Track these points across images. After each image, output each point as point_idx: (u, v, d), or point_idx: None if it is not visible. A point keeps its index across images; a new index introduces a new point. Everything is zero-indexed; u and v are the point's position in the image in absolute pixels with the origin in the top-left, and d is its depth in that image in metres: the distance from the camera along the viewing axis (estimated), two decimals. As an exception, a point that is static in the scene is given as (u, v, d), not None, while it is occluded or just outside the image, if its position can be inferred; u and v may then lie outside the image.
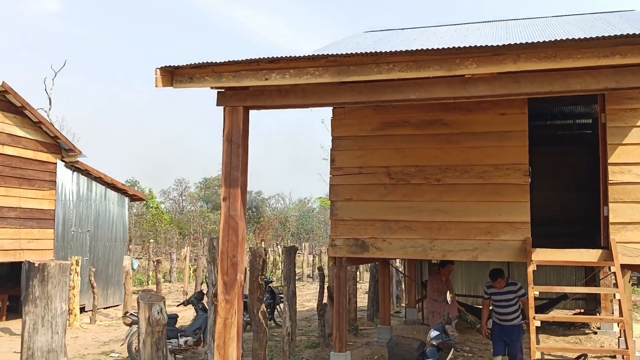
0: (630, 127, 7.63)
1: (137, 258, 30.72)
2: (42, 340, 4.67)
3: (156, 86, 5.21)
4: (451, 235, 8.09)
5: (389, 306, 11.26)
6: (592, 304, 13.56)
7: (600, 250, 7.60)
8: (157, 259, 18.08)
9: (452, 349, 5.82)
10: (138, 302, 6.21)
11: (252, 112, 5.76)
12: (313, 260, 32.39)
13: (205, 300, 11.60)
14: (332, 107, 8.72)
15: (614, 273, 7.18)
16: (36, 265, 4.74)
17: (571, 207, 12.57)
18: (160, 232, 51.07)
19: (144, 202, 37.81)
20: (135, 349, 9.93)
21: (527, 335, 7.53)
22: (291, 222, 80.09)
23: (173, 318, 10.32)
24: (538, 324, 6.79)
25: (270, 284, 14.14)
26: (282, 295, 14.41)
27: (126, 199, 18.74)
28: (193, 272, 25.04)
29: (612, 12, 10.31)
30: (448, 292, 9.31)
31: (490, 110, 8.08)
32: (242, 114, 5.48)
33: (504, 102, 7.92)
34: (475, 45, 4.57)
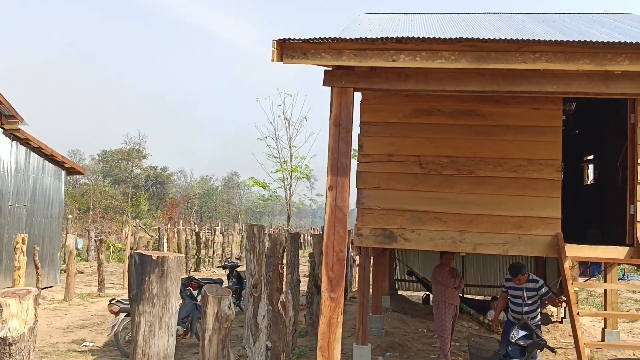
0: (660, 129, 7.86)
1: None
2: (160, 344, 4.01)
3: (272, 60, 4.63)
4: (482, 228, 8.00)
5: (381, 295, 11.08)
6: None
7: (627, 248, 7.80)
8: (99, 237, 16.82)
9: (544, 349, 5.68)
10: (204, 295, 5.61)
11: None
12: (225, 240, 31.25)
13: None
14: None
15: None
16: (154, 258, 4.06)
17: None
18: (56, 206, 48.14)
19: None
20: (123, 339, 9.11)
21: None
22: (194, 200, 78.44)
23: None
24: (580, 320, 6.85)
25: (237, 269, 13.54)
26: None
27: (63, 172, 17.25)
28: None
29: (608, 13, 10.60)
30: (456, 279, 9.30)
31: (525, 104, 8.03)
32: (351, 96, 5.00)
33: (539, 97, 7.87)
34: (629, 42, 4.41)
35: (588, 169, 12.41)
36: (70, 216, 30.70)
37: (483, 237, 8.00)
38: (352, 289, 17.61)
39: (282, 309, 8.00)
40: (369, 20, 9.67)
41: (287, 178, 27.26)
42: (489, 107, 8.10)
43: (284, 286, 9.72)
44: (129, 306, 9.22)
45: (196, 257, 22.92)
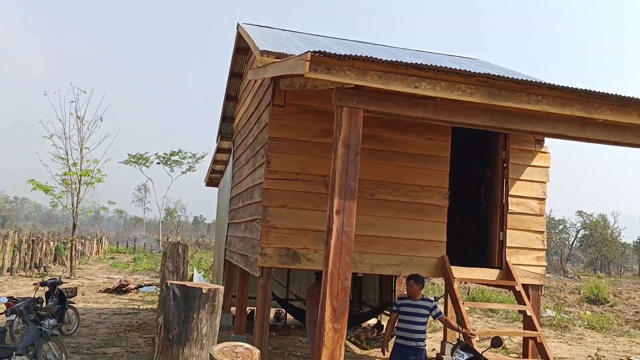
0: (525, 166, 8.99)
1: None
2: (212, 392, 3.40)
3: (305, 73, 4.29)
4: (380, 249, 8.28)
5: (244, 314, 10.70)
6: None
7: (497, 270, 8.73)
8: None
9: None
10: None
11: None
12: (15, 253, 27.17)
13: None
14: (271, 106, 8.13)
15: (519, 292, 8.33)
16: (204, 291, 3.45)
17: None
18: None
19: None
20: None
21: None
22: None
23: (2, 332, 8.06)
24: (478, 338, 7.47)
25: (59, 286, 11.92)
26: (71, 301, 12.33)
27: None
28: None
29: (460, 56, 11.80)
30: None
31: (421, 134, 8.55)
32: (361, 117, 4.84)
33: (433, 127, 8.48)
34: (611, 93, 5.02)
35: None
36: None
37: (380, 258, 8.29)
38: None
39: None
40: (272, 33, 9.42)
41: (75, 182, 24.86)
42: (390, 133, 8.45)
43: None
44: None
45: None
